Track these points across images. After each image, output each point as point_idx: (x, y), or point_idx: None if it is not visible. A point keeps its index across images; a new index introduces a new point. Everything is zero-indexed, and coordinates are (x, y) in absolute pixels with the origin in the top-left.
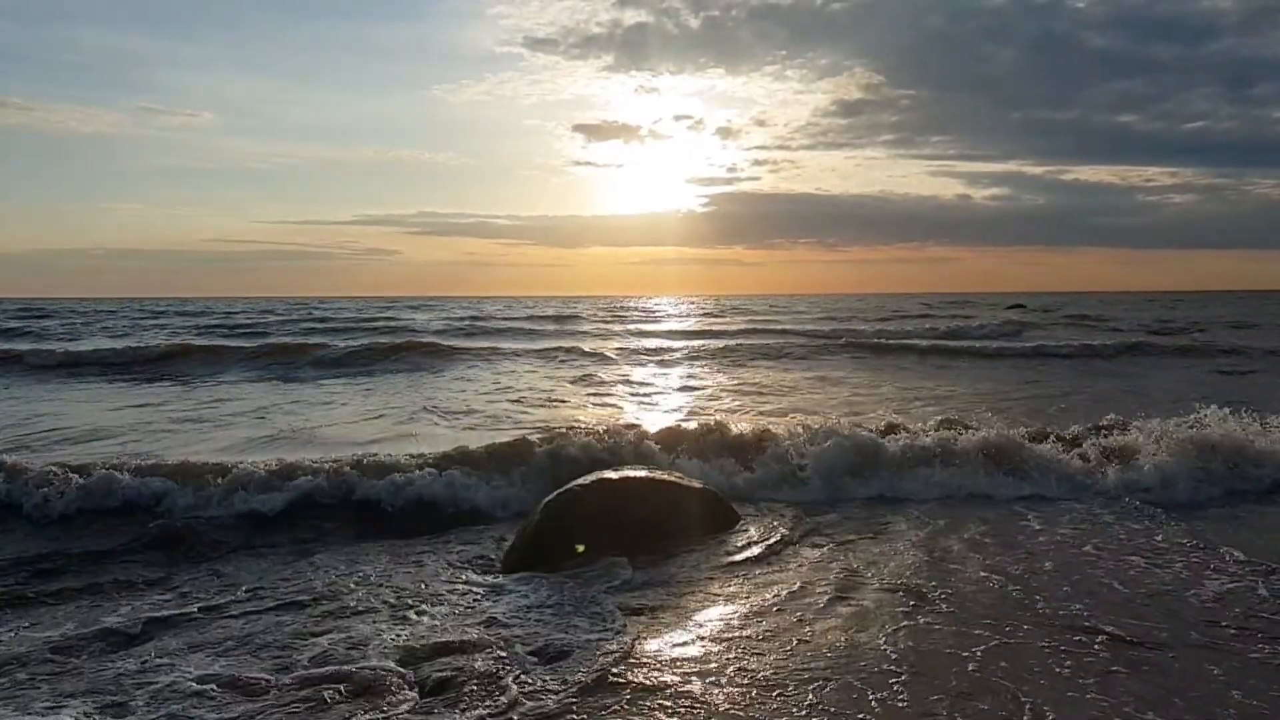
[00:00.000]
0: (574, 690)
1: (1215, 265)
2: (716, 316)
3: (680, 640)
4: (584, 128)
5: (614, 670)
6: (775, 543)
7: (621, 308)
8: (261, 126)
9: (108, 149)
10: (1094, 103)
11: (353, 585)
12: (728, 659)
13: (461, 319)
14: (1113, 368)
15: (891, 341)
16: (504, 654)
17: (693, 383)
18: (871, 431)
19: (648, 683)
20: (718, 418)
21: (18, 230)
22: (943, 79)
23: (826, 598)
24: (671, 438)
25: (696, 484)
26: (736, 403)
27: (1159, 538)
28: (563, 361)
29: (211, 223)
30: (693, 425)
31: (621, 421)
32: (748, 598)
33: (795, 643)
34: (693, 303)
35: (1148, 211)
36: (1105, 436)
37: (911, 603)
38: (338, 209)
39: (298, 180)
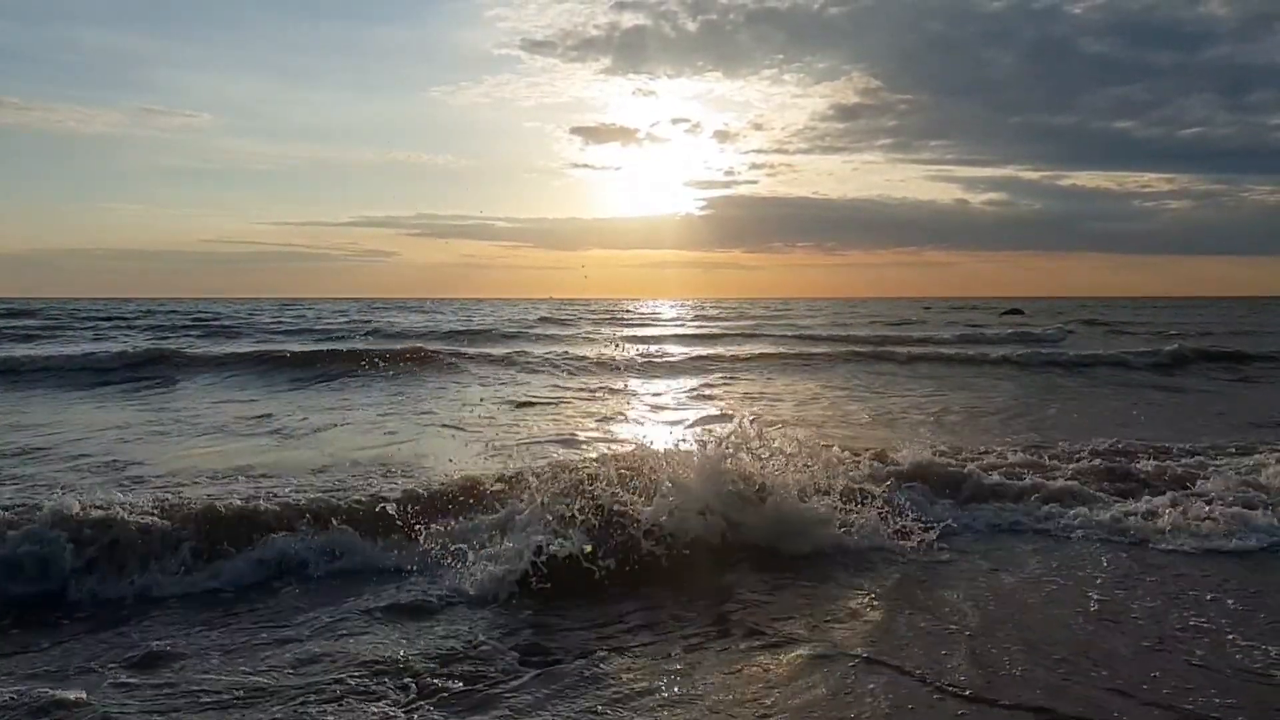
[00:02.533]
0: (559, 693)
1: (1211, 271)
2: (720, 320)
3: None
4: (582, 130)
5: (595, 677)
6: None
7: (623, 311)
8: (261, 127)
9: (107, 149)
10: (1092, 108)
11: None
12: (660, 679)
13: (459, 322)
14: (1155, 380)
15: (929, 351)
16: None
17: (714, 393)
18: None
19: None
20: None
21: (17, 230)
22: (940, 83)
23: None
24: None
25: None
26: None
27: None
28: (563, 368)
29: (211, 223)
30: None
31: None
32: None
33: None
34: (694, 306)
35: (1144, 217)
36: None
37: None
38: (337, 210)
39: (297, 181)
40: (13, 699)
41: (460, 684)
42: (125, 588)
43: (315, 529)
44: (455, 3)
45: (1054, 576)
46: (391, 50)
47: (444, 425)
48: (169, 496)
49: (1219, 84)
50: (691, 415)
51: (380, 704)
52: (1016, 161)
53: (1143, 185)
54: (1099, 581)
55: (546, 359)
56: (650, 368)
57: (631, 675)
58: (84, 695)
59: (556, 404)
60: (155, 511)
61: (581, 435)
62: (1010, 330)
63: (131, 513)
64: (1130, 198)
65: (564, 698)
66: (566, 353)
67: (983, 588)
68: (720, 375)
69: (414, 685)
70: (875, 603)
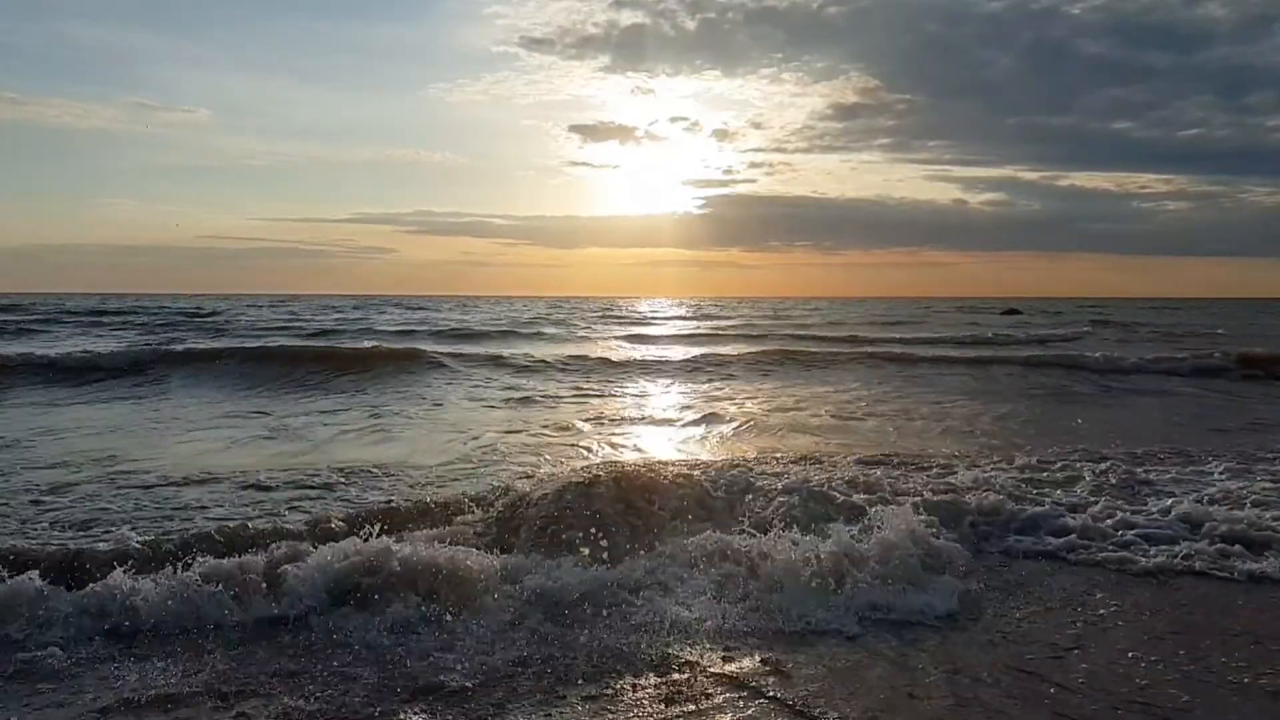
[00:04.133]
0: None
1: (1208, 272)
2: (716, 320)
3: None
4: (580, 128)
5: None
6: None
7: (622, 310)
8: (259, 124)
9: (105, 145)
10: (1090, 109)
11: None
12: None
13: (454, 321)
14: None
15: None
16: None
17: (704, 395)
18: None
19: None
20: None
21: (13, 225)
22: (939, 84)
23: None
24: None
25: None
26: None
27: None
28: (555, 367)
29: (209, 220)
30: None
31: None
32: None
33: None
34: (691, 306)
35: (1142, 218)
36: None
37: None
38: (335, 207)
39: (295, 178)
40: None
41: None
42: None
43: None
44: (454, 1)
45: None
46: (390, 47)
47: (431, 429)
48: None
49: (1217, 85)
50: (682, 416)
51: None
52: (1015, 162)
53: (1141, 186)
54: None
55: (541, 359)
56: (643, 367)
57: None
58: None
59: (547, 406)
60: None
61: (583, 443)
62: (1024, 333)
63: None
64: (1129, 199)
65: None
66: (560, 353)
67: None
68: (711, 376)
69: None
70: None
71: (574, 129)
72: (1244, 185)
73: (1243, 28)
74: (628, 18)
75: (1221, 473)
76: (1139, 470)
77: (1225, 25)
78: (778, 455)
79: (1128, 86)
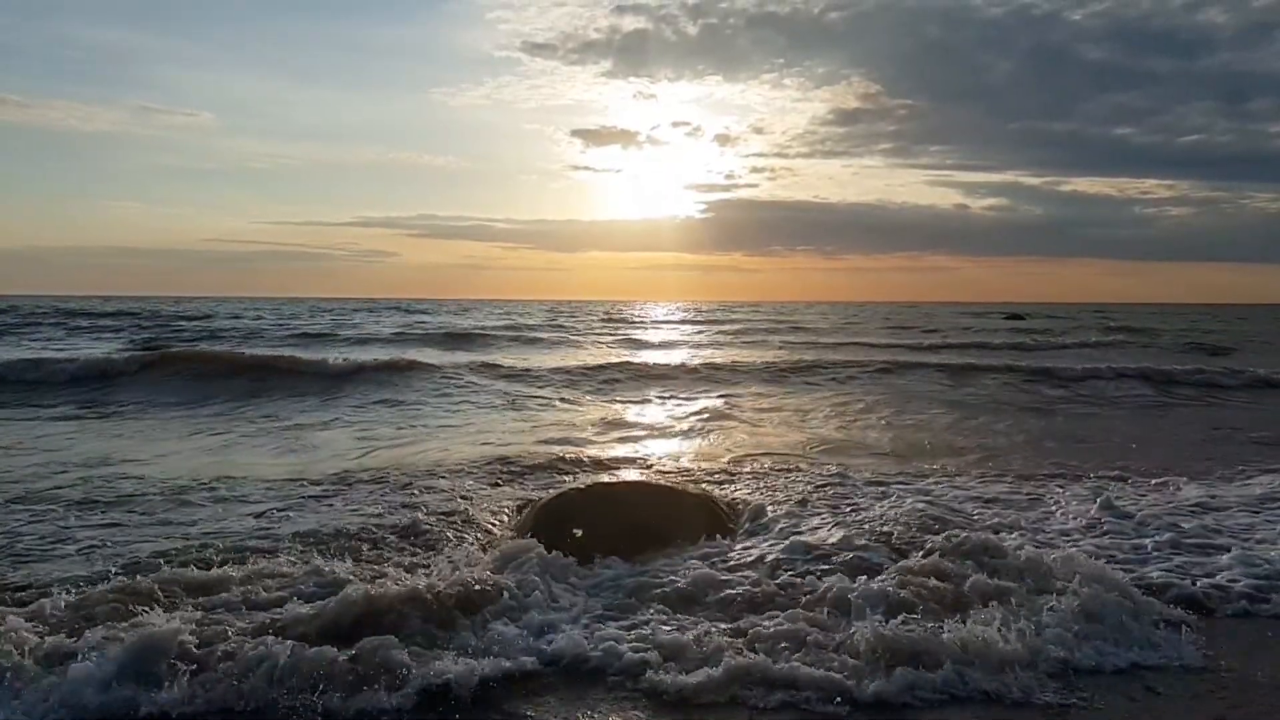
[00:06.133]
0: None
1: (1211, 278)
2: (718, 325)
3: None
4: (582, 133)
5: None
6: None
7: (622, 314)
8: (261, 127)
9: (108, 147)
10: (1091, 114)
11: None
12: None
13: (452, 325)
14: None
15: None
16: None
17: (701, 404)
18: None
19: None
20: None
21: (15, 227)
22: (940, 89)
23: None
24: None
25: (693, 490)
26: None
27: None
28: (556, 378)
29: (211, 222)
30: None
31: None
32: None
33: None
34: (693, 310)
35: (1145, 223)
36: None
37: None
38: (337, 210)
39: (298, 181)
40: None
41: None
42: None
43: None
44: (456, 4)
45: None
46: (393, 51)
47: (419, 438)
48: None
49: (1218, 91)
50: (677, 425)
51: None
52: (1016, 167)
53: (1143, 192)
54: None
55: (536, 365)
56: (640, 372)
57: None
58: None
59: (537, 413)
60: None
61: (571, 454)
62: (1033, 339)
63: None
64: (1130, 204)
65: None
66: (557, 358)
67: None
68: (710, 382)
69: None
70: None
71: (576, 133)
72: (1246, 191)
73: (1244, 34)
74: (629, 23)
75: None
76: None
77: (1226, 31)
78: (803, 467)
79: (1129, 92)
